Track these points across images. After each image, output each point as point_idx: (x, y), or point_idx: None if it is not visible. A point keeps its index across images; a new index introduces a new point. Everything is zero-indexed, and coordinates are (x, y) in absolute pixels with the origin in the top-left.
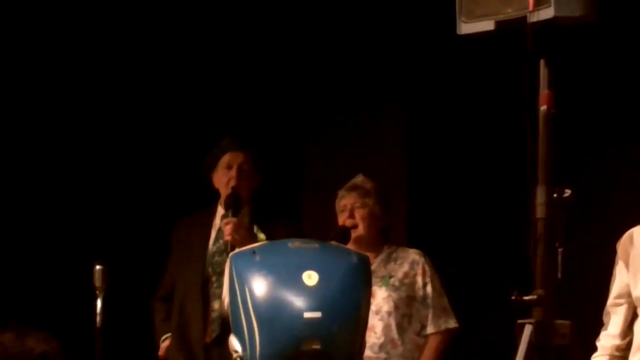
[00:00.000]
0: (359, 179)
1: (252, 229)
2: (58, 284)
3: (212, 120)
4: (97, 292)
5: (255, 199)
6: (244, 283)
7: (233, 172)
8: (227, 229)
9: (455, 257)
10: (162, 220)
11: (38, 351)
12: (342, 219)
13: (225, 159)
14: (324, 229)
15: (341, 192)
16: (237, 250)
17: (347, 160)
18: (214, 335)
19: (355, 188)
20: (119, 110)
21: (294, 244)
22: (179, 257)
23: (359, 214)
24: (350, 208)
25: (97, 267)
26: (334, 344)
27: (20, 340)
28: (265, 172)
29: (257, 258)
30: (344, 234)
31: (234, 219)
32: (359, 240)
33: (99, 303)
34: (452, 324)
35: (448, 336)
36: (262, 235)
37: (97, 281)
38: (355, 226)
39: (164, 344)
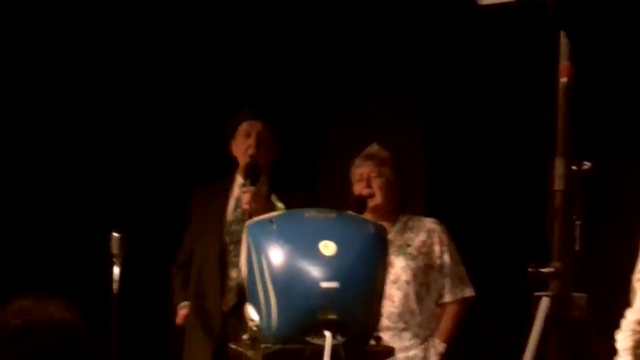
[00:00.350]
0: (373, 147)
1: (270, 198)
2: (76, 252)
3: (232, 89)
4: (114, 259)
5: (273, 168)
6: (260, 252)
7: (251, 141)
8: (245, 197)
9: (473, 228)
10: (181, 188)
11: (58, 317)
12: (359, 188)
13: (244, 127)
14: (341, 199)
15: (356, 161)
16: (254, 219)
17: (365, 131)
18: (232, 303)
19: (371, 157)
20: (141, 78)
21: (310, 213)
22: (197, 225)
23: (375, 183)
24: (367, 177)
25: (115, 234)
26: (350, 314)
27: (41, 306)
28: (284, 141)
29: (274, 227)
30: (360, 204)
31: (252, 188)
32: (375, 210)
33: (116, 270)
34: (469, 292)
35: (465, 305)
36: (280, 205)
37: (115, 249)
38: (372, 195)
39: (182, 312)
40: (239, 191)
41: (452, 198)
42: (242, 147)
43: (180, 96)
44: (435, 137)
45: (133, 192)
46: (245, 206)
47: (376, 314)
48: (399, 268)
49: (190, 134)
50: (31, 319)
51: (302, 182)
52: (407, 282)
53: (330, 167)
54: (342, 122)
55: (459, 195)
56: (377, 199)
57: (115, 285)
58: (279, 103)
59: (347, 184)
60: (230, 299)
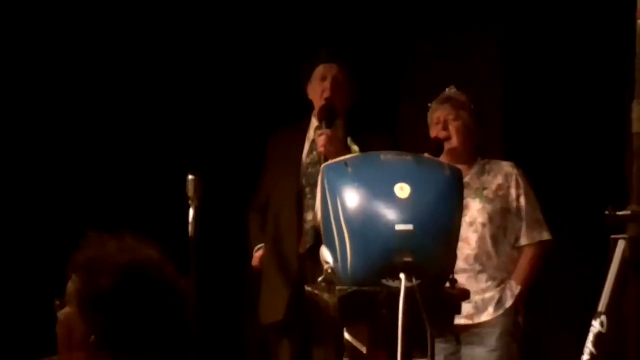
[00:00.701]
0: (451, 90)
1: (346, 141)
2: (152, 194)
3: (311, 31)
4: (190, 201)
5: (350, 112)
6: (335, 195)
7: (327, 84)
8: (321, 140)
9: (551, 172)
10: (258, 130)
11: (156, 258)
12: (435, 132)
13: (320, 70)
14: (420, 143)
15: (434, 104)
16: (329, 161)
17: (444, 74)
18: (307, 246)
19: (448, 100)
20: (221, 18)
21: (386, 156)
22: (274, 168)
23: (452, 127)
24: (444, 120)
25: (190, 177)
26: (426, 257)
27: (142, 246)
28: (362, 85)
29: (350, 170)
30: (437, 147)
31: (328, 131)
32: (451, 153)
33: (191, 212)
34: (546, 235)
35: (542, 248)
36: (355, 148)
37: (190, 191)
38: (448, 138)
39: (258, 253)
40: (315, 134)
41: (530, 142)
42: (317, 90)
43: (259, 38)
44: (514, 81)
45: (210, 134)
46: (321, 149)
47: (452, 257)
48: (475, 210)
49: (269, 76)
50: (137, 257)
51: (380, 126)
52: (483, 225)
53: (409, 110)
54: (422, 65)
55: (537, 138)
56: (454, 142)
57: (190, 228)
58: (358, 45)
59: (426, 127)
60: (307, 242)
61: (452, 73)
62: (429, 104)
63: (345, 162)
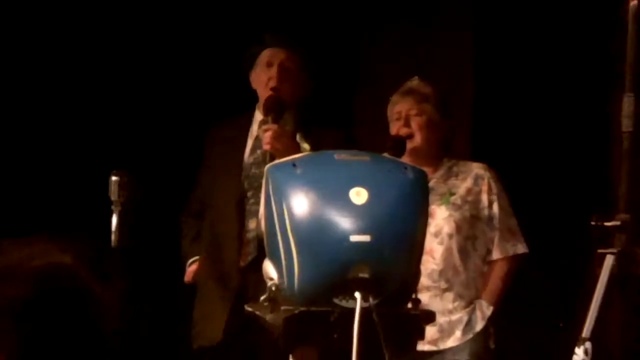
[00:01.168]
0: (414, 82)
1: (296, 137)
2: (73, 197)
3: (255, 12)
4: (114, 206)
5: (300, 103)
6: (282, 200)
7: (273, 71)
8: (266, 136)
9: (526, 175)
10: (194, 125)
11: (72, 263)
12: (396, 128)
13: (265, 55)
14: (377, 140)
15: (394, 97)
16: (275, 162)
17: (405, 64)
18: (250, 258)
19: (410, 92)
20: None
21: (341, 155)
22: (212, 169)
23: (415, 122)
24: (405, 115)
25: (114, 177)
26: (385, 271)
27: (57, 250)
28: (314, 72)
29: (298, 171)
30: (398, 145)
31: (274, 126)
32: (415, 152)
33: (114, 219)
34: (521, 248)
35: (516, 263)
36: (306, 145)
37: (114, 194)
38: (410, 136)
39: (191, 268)
40: (259, 130)
41: (502, 140)
42: (262, 79)
43: (196, 19)
44: (485, 70)
45: (138, 129)
46: (266, 146)
47: (415, 272)
48: (440, 219)
49: (207, 64)
50: (49, 263)
51: (335, 121)
52: (450, 235)
53: (367, 103)
54: (382, 52)
55: (510, 137)
56: (417, 140)
57: (113, 237)
58: (308, 27)
59: (386, 123)
60: (249, 253)
61: (416, 61)
62: (390, 97)
63: (293, 162)
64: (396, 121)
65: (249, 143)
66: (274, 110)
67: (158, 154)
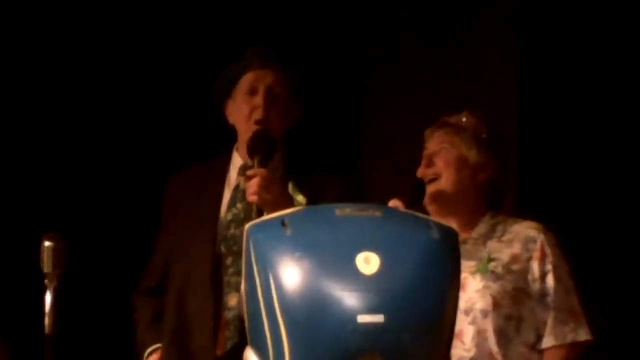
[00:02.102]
0: (458, 116)
1: (286, 187)
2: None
3: (229, 26)
4: (47, 281)
5: (291, 141)
6: (267, 270)
7: (259, 100)
8: (252, 185)
9: (590, 236)
10: (148, 175)
11: None
12: (420, 171)
13: (248, 79)
14: (388, 190)
15: (427, 132)
16: (258, 220)
17: (425, 97)
18: (230, 344)
19: (445, 125)
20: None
21: (344, 210)
22: (176, 231)
23: (441, 159)
24: (431, 153)
25: (47, 243)
26: None
27: None
28: (309, 100)
29: (289, 232)
30: (413, 189)
31: (262, 171)
32: (439, 199)
33: (48, 298)
34: (584, 335)
35: (576, 353)
36: (300, 198)
37: (47, 266)
38: (435, 179)
39: (152, 358)
40: (240, 178)
41: (556, 190)
42: (244, 110)
43: (153, 35)
44: (533, 99)
45: (75, 184)
46: (252, 197)
47: None
48: (473, 292)
49: (163, 94)
50: None
51: (337, 163)
52: (485, 313)
53: (376, 141)
54: (388, 74)
55: (567, 186)
56: (442, 183)
57: (47, 321)
58: (302, 44)
59: (399, 169)
60: (228, 338)
61: (441, 94)
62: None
63: (282, 220)
64: (423, 162)
65: (226, 195)
66: (261, 150)
67: (92, 213)
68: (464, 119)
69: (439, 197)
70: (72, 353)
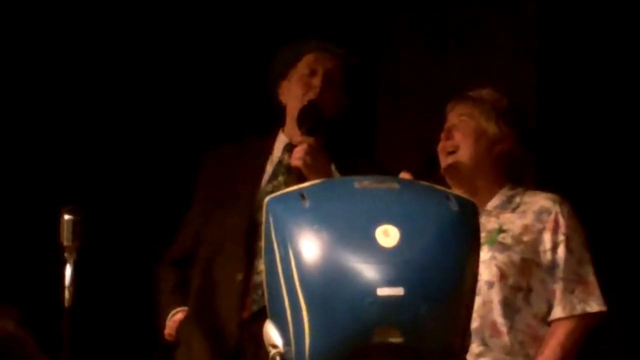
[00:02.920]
0: (482, 91)
1: (330, 160)
2: (13, 242)
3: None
4: (66, 254)
5: (335, 126)
6: (286, 242)
7: (317, 80)
8: (298, 150)
9: (607, 211)
10: (164, 149)
11: (9, 330)
12: (440, 146)
13: (308, 60)
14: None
15: (449, 105)
16: (277, 193)
17: (439, 77)
18: (256, 308)
19: (466, 98)
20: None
21: (362, 183)
22: (208, 202)
23: (459, 131)
24: (450, 125)
25: (67, 216)
26: (423, 334)
27: None
28: (359, 94)
29: (307, 204)
30: (426, 163)
31: (310, 138)
32: (456, 171)
33: (68, 271)
34: (596, 306)
35: (586, 325)
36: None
37: (66, 238)
38: (454, 150)
39: (176, 317)
40: (284, 154)
41: (577, 165)
42: (298, 90)
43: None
44: (551, 75)
45: (93, 157)
46: (297, 162)
47: (463, 335)
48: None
49: (200, 75)
50: None
51: (358, 146)
52: (490, 284)
53: (392, 139)
54: (406, 58)
55: (588, 161)
56: (460, 154)
57: (67, 294)
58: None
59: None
60: (254, 302)
61: (458, 69)
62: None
63: (300, 193)
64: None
65: (268, 170)
66: (310, 120)
67: (110, 186)
68: (485, 92)
69: (456, 168)
70: (91, 326)
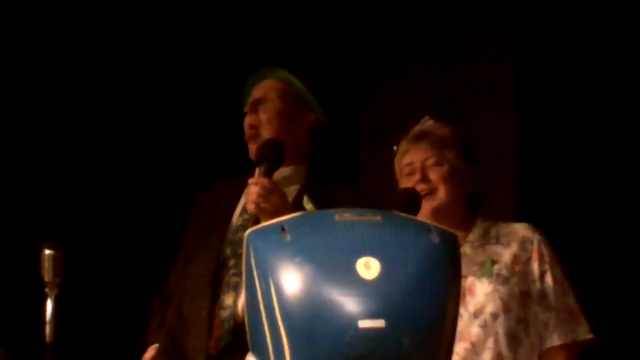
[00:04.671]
0: (427, 123)
1: (286, 197)
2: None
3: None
4: (47, 289)
5: (317, 153)
6: (267, 276)
7: (252, 117)
8: (252, 193)
9: (582, 237)
10: (146, 184)
11: None
12: (411, 184)
13: (255, 92)
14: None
15: (403, 145)
16: (258, 226)
17: (420, 105)
18: (222, 344)
19: (424, 136)
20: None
21: (343, 215)
22: (194, 239)
23: (435, 174)
24: (421, 166)
25: (47, 252)
26: None
27: None
28: (321, 109)
29: (288, 237)
30: (411, 202)
31: (264, 180)
32: (438, 213)
33: (49, 306)
34: (583, 334)
35: (577, 352)
36: (311, 207)
37: (47, 274)
38: (431, 192)
39: (148, 354)
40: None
41: (554, 195)
42: (250, 121)
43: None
44: (530, 106)
45: (74, 192)
46: (250, 206)
47: None
48: (482, 295)
49: (163, 104)
50: None
51: (337, 173)
52: (495, 316)
53: (370, 151)
54: (387, 88)
55: (563, 192)
56: (440, 197)
57: (48, 329)
58: (299, 60)
59: (392, 177)
60: (221, 337)
61: (434, 105)
62: (395, 146)
63: (281, 226)
64: (408, 176)
65: (241, 202)
66: (266, 158)
67: (91, 221)
68: (443, 130)
69: (437, 211)
70: None
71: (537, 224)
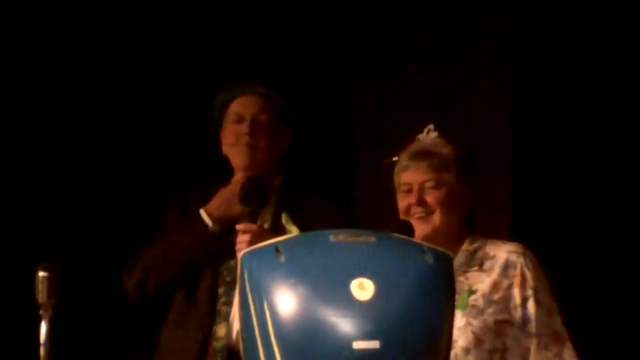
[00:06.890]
0: (429, 137)
1: (281, 220)
2: None
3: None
4: (42, 311)
5: (286, 167)
6: (262, 297)
7: (244, 126)
8: (242, 241)
9: (577, 257)
10: (141, 204)
11: None
12: (405, 203)
13: (234, 107)
14: (380, 216)
15: (403, 160)
16: (253, 247)
17: (416, 117)
18: None
19: (425, 156)
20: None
21: (338, 236)
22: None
23: (432, 198)
24: (419, 188)
25: (41, 274)
26: None
27: None
28: (296, 126)
29: (283, 258)
30: (403, 231)
31: (253, 226)
32: (432, 236)
33: (43, 328)
34: (569, 356)
35: None
36: (293, 229)
37: (42, 295)
38: (426, 215)
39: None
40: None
41: (550, 212)
42: (231, 137)
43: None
44: (527, 120)
45: (69, 213)
46: (240, 251)
47: None
48: (454, 329)
49: (161, 123)
50: None
51: (329, 193)
52: (466, 350)
53: (365, 170)
54: (384, 91)
55: (560, 207)
56: (435, 221)
57: (43, 351)
58: (296, 68)
59: (390, 191)
60: None
61: (431, 115)
62: (395, 157)
63: (276, 247)
64: (405, 193)
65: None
66: (252, 199)
67: (86, 242)
68: (444, 149)
69: (432, 235)
70: None
71: (531, 232)
